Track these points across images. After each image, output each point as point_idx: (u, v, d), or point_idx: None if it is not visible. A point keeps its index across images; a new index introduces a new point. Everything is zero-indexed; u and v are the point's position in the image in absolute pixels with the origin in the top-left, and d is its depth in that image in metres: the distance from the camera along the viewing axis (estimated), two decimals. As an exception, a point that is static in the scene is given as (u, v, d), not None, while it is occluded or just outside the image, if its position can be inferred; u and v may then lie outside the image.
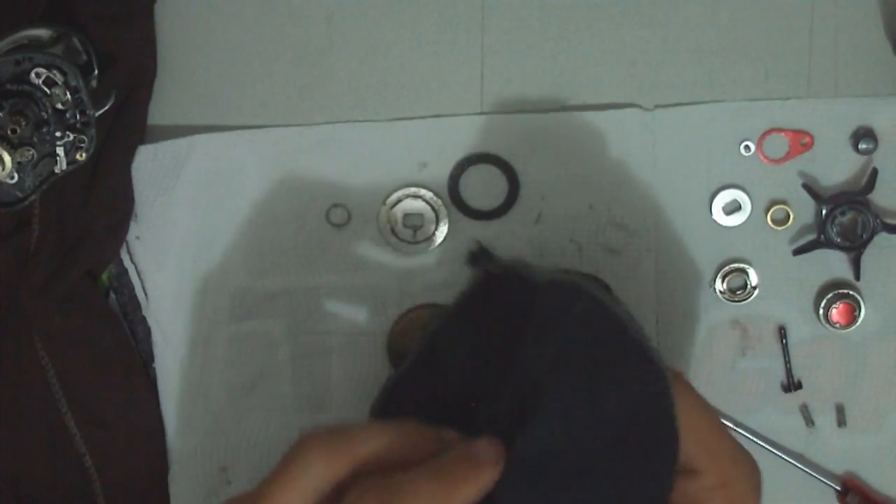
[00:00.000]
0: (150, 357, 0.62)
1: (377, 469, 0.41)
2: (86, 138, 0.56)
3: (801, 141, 0.59)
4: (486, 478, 0.42)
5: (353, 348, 0.61)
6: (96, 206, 0.59)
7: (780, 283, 0.60)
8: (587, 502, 0.44)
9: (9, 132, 0.54)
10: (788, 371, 0.60)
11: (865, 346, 0.60)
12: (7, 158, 0.54)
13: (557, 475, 0.43)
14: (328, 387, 0.61)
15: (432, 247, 0.60)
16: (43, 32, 0.56)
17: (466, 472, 0.42)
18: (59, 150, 0.56)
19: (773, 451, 0.60)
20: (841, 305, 0.59)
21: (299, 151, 0.60)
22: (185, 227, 0.61)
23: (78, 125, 0.56)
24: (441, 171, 0.60)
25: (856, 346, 0.60)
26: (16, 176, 0.55)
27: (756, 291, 0.60)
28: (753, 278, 0.59)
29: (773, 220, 0.59)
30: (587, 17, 0.60)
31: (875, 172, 0.58)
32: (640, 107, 0.60)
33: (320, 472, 0.41)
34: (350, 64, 0.61)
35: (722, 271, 0.60)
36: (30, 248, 0.58)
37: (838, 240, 0.58)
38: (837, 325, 0.59)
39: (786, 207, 0.59)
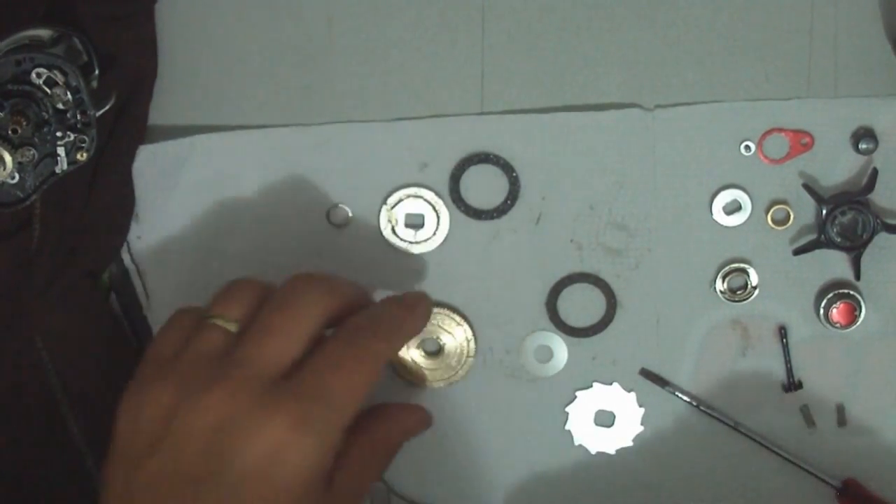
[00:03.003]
0: (150, 357, 0.62)
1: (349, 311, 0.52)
2: (86, 138, 0.56)
3: (802, 141, 0.59)
4: (428, 306, 0.56)
5: (353, 348, 0.61)
6: (97, 207, 0.59)
7: (781, 283, 0.60)
8: None
9: (10, 132, 0.54)
10: (789, 371, 0.60)
11: (865, 346, 0.60)
12: (8, 158, 0.54)
13: None
14: (329, 387, 0.61)
15: (433, 247, 0.60)
16: (44, 33, 0.56)
17: (416, 302, 0.55)
18: (60, 151, 0.56)
19: (774, 450, 0.60)
20: (841, 305, 0.59)
21: (300, 151, 0.60)
22: (186, 227, 0.61)
23: (79, 125, 0.56)
24: (441, 171, 0.60)
25: (856, 346, 0.60)
26: (17, 176, 0.55)
27: (756, 291, 0.60)
28: (754, 278, 0.59)
29: (773, 220, 0.59)
30: (587, 17, 0.60)
31: (875, 172, 0.58)
32: (640, 107, 0.60)
33: (322, 306, 0.50)
34: (350, 64, 0.61)
35: (722, 271, 0.60)
36: (31, 248, 0.58)
37: (838, 240, 0.58)
38: (838, 325, 0.59)
39: (786, 207, 0.59)
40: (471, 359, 0.61)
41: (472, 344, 0.61)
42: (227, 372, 0.48)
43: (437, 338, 0.60)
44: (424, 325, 0.56)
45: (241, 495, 0.46)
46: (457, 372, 0.61)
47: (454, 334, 0.60)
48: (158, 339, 0.53)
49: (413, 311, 0.55)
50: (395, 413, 0.56)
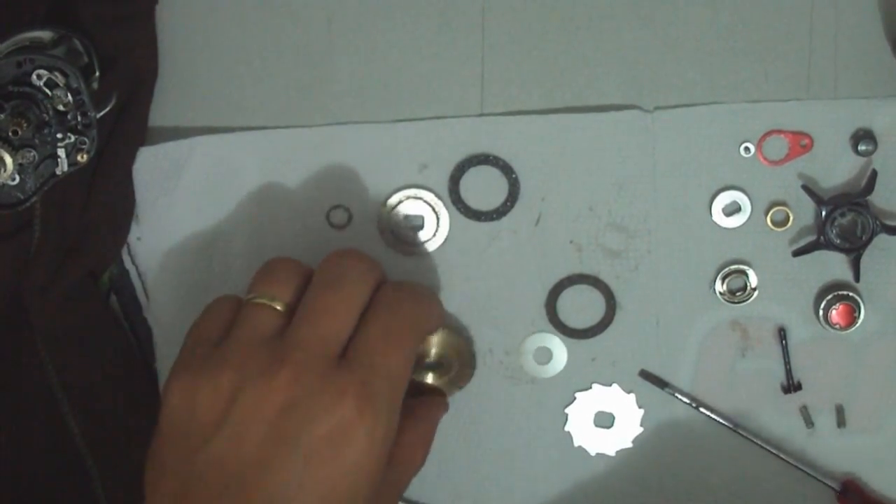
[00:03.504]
0: (151, 358, 0.62)
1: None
2: (87, 140, 0.56)
3: (801, 142, 0.59)
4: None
5: (353, 349, 0.61)
6: (97, 208, 0.59)
7: (780, 285, 0.60)
8: None
9: (10, 134, 0.54)
10: (788, 372, 0.60)
11: (865, 347, 0.60)
12: (8, 160, 0.54)
13: None
14: (329, 387, 0.61)
15: (433, 248, 0.60)
16: (44, 34, 0.56)
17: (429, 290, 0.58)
18: (61, 152, 0.56)
19: (773, 451, 0.60)
20: (841, 306, 0.59)
21: (300, 153, 0.60)
22: (186, 228, 0.61)
23: (79, 127, 0.56)
24: (441, 172, 0.60)
25: (856, 347, 0.60)
26: (17, 177, 0.55)
27: (756, 293, 0.60)
28: (753, 279, 0.59)
29: (772, 222, 0.59)
30: (587, 17, 0.60)
31: (875, 174, 0.58)
32: (639, 108, 0.60)
33: (369, 283, 0.52)
34: (350, 65, 0.61)
35: (722, 272, 0.60)
36: (31, 250, 0.58)
37: (838, 241, 0.58)
38: (837, 327, 0.59)
39: (785, 209, 0.59)
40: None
41: (472, 346, 0.61)
42: (287, 354, 0.48)
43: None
44: (441, 312, 0.57)
45: (306, 477, 0.46)
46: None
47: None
48: (200, 323, 0.53)
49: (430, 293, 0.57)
50: (425, 397, 0.58)
